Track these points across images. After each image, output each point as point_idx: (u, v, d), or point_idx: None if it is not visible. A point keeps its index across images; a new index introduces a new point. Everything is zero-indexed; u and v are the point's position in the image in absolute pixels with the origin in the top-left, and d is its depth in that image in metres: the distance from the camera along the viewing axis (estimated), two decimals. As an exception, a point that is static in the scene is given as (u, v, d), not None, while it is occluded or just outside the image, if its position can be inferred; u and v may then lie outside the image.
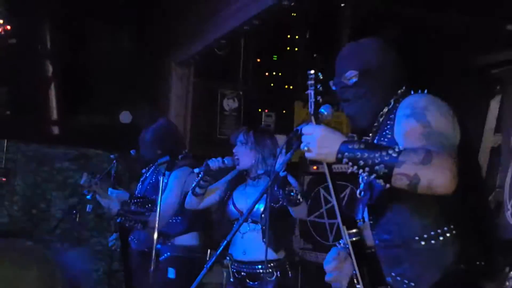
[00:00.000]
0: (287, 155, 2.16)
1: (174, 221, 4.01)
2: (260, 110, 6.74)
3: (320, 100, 2.07)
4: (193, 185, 3.64)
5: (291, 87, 6.76)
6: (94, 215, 6.32)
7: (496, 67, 4.86)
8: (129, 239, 4.30)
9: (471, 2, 5.04)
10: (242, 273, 3.50)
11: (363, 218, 2.16)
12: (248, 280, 3.49)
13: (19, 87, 6.25)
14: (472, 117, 5.16)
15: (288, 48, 6.87)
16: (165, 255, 3.99)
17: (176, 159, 4.03)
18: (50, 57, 6.39)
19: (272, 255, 3.45)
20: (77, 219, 4.87)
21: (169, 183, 3.98)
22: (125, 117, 6.71)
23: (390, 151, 1.79)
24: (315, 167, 5.47)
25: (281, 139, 4.05)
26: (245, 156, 3.59)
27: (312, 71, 2.07)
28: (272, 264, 3.45)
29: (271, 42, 6.85)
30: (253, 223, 3.50)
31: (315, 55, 6.66)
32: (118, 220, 3.97)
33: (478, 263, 1.95)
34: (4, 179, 6.06)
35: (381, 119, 2.15)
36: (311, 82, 2.06)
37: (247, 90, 6.84)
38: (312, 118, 2.05)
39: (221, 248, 2.25)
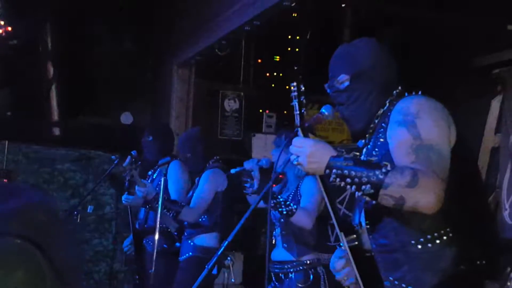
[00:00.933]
0: (287, 155, 2.17)
1: (200, 219, 4.08)
2: (261, 110, 6.75)
3: (305, 112, 2.09)
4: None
5: (292, 87, 6.77)
6: (95, 216, 6.34)
7: (497, 67, 4.87)
8: (144, 242, 4.33)
9: (472, 2, 5.05)
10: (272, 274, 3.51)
11: (360, 223, 2.17)
12: (274, 280, 3.51)
13: (20, 88, 6.27)
14: (473, 117, 5.17)
15: (289, 49, 6.88)
16: (186, 255, 4.04)
17: (206, 162, 4.10)
18: (51, 58, 6.40)
19: (288, 256, 3.44)
20: (78, 220, 4.88)
21: (201, 181, 4.05)
22: (126, 118, 6.73)
23: (377, 172, 1.80)
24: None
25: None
26: (277, 157, 3.59)
27: (295, 83, 2.10)
28: (287, 266, 3.44)
29: (272, 43, 6.86)
30: (278, 228, 3.52)
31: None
32: (155, 204, 3.98)
33: (479, 262, 1.96)
34: (5, 180, 6.07)
35: (376, 121, 2.14)
36: (294, 94, 2.09)
37: (248, 91, 6.84)
38: (299, 130, 2.06)
39: (221, 249, 2.26)
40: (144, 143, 4.49)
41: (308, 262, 3.42)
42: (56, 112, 6.48)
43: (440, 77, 5.40)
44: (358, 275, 2.01)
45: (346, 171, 1.85)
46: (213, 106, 6.75)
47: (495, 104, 4.98)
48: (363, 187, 1.81)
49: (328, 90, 2.25)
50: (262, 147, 6.58)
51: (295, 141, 2.00)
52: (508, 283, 3.64)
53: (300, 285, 3.36)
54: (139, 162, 4.09)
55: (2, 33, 5.84)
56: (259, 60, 6.92)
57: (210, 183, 4.04)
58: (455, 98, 5.28)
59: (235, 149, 6.77)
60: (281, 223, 3.48)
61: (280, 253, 3.50)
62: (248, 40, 6.72)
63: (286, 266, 3.44)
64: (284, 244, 3.47)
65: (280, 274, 3.47)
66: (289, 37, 6.85)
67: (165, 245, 4.16)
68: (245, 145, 6.74)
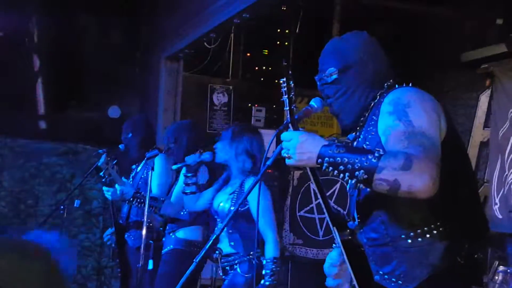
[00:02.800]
0: (277, 149, 2.16)
1: (181, 213, 4.09)
2: (250, 104, 6.75)
3: (295, 108, 2.08)
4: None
5: (281, 83, 6.77)
6: (82, 211, 6.32)
7: (486, 62, 4.90)
8: (126, 236, 4.33)
9: (462, -3, 5.08)
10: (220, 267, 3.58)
11: (353, 217, 2.15)
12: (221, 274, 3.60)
13: (6, 81, 6.21)
14: (462, 111, 5.20)
15: (278, 43, 6.88)
16: (168, 247, 4.05)
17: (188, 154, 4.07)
18: (38, 51, 6.35)
19: (230, 249, 3.52)
20: (65, 215, 4.87)
21: (182, 175, 4.03)
22: (114, 111, 6.70)
23: (370, 156, 1.79)
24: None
25: (271, 133, 4.08)
26: (221, 151, 3.66)
27: (284, 79, 2.08)
28: (232, 258, 3.51)
29: (261, 36, 6.85)
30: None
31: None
32: (134, 203, 4.04)
33: (476, 256, 1.96)
34: None
35: (366, 114, 2.14)
36: (284, 89, 2.08)
37: (237, 85, 6.84)
38: (290, 125, 2.06)
39: (209, 243, 2.27)
40: (125, 140, 4.49)
41: (252, 253, 3.47)
42: (42, 106, 6.43)
43: (429, 71, 5.43)
44: (351, 270, 2.01)
45: (338, 159, 1.83)
46: (202, 100, 6.74)
47: (484, 99, 5.02)
48: (357, 173, 1.79)
49: (318, 83, 2.26)
50: (251, 141, 6.58)
51: (284, 135, 1.99)
52: (496, 277, 3.67)
53: (245, 275, 3.42)
54: (115, 160, 4.09)
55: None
56: (248, 54, 6.92)
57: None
58: (444, 92, 5.32)
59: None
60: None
61: (225, 247, 3.54)
62: (237, 33, 6.71)
63: (231, 259, 3.51)
64: (231, 243, 3.51)
65: (226, 267, 3.53)
66: (279, 30, 6.85)
67: (150, 241, 4.16)
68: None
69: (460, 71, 5.28)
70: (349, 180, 1.85)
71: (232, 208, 3.43)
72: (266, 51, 6.90)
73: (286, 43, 6.85)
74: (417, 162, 1.74)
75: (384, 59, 2.20)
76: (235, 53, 6.85)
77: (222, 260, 3.53)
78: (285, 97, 2.09)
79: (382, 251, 2.04)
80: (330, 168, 1.86)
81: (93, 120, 6.51)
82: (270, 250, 3.38)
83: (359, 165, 1.79)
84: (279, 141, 2.17)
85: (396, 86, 2.12)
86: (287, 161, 1.99)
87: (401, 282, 1.98)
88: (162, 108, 6.36)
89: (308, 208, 5.40)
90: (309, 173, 2.05)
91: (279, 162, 2.17)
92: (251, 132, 3.72)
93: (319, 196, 2.07)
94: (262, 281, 3.30)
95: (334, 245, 2.24)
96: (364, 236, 2.10)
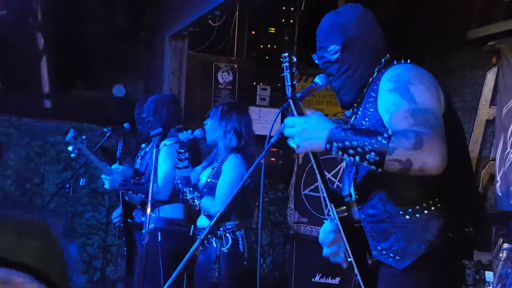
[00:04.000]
0: (281, 127, 2.17)
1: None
2: (255, 83, 6.74)
3: (297, 83, 2.06)
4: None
5: (283, 58, 6.75)
6: (88, 189, 6.37)
7: (492, 39, 4.88)
8: (134, 213, 4.37)
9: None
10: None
11: (350, 193, 2.17)
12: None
13: (10, 60, 6.22)
14: (468, 89, 5.18)
15: (283, 20, 6.85)
16: (150, 226, 4.08)
17: (166, 129, 4.12)
18: (42, 29, 6.35)
19: (206, 221, 3.63)
20: (71, 193, 4.91)
21: (161, 156, 4.07)
22: (118, 90, 6.71)
23: (380, 138, 1.78)
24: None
25: (276, 112, 4.10)
26: (210, 129, 3.77)
27: (286, 54, 2.07)
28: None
29: (266, 14, 6.82)
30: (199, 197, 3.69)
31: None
32: (121, 190, 4.08)
33: (466, 230, 1.98)
34: None
35: (365, 90, 2.14)
36: (286, 64, 2.06)
37: (242, 63, 6.83)
38: (291, 104, 2.02)
39: (214, 219, 2.29)
40: (146, 120, 4.48)
41: (229, 227, 3.59)
42: (47, 85, 6.45)
43: (435, 50, 5.40)
44: (347, 246, 2.03)
45: (347, 142, 1.82)
46: (206, 79, 6.73)
47: (490, 77, 5.00)
48: (368, 156, 1.79)
49: (317, 61, 2.25)
50: (256, 120, 6.58)
51: (287, 121, 1.96)
52: (500, 254, 3.69)
53: (221, 248, 3.50)
54: (84, 136, 4.13)
55: (-9, 4, 5.80)
56: (253, 32, 6.89)
57: (170, 157, 4.04)
58: (450, 70, 5.30)
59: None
60: (203, 192, 3.65)
61: (203, 220, 3.67)
62: (242, 11, 6.68)
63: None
64: (205, 212, 3.66)
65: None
66: (284, 8, 6.82)
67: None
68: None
69: (466, 49, 5.25)
70: (359, 162, 1.84)
71: (208, 180, 3.62)
72: (272, 29, 6.87)
73: (291, 21, 6.82)
74: (427, 140, 1.75)
75: (381, 33, 2.19)
76: (240, 31, 6.83)
77: (197, 232, 3.66)
78: (286, 72, 2.07)
79: (380, 227, 2.05)
80: (340, 152, 1.85)
81: (97, 99, 6.53)
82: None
83: (369, 147, 1.78)
84: (283, 119, 2.17)
85: (395, 62, 2.11)
86: (296, 150, 1.98)
87: (398, 258, 2.01)
88: (166, 87, 6.37)
89: (313, 186, 5.42)
90: (311, 156, 2.05)
91: (283, 140, 2.18)
92: (240, 110, 3.81)
93: (317, 172, 2.07)
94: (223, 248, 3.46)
95: (327, 217, 2.28)
96: (363, 213, 2.12)
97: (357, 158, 1.82)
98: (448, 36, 5.35)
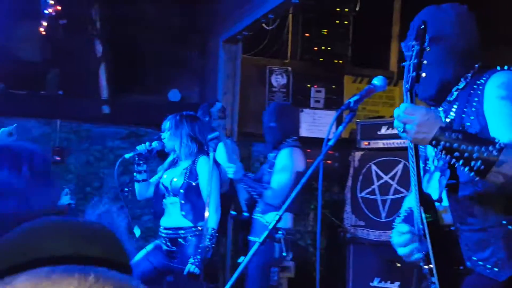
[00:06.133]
0: (339, 129, 2.08)
1: None
2: (309, 85, 6.76)
3: (423, 74, 1.96)
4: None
5: (340, 61, 6.76)
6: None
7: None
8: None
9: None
10: (166, 239, 4.09)
11: (441, 198, 2.10)
12: (170, 245, 4.06)
13: (70, 67, 6.46)
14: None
15: (337, 22, 6.85)
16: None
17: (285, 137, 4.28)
18: (100, 37, 6.56)
19: (184, 222, 4.00)
20: (129, 197, 5.05)
21: (283, 160, 4.20)
22: (174, 95, 6.86)
23: (491, 148, 1.75)
24: (366, 143, 5.49)
25: (331, 114, 4.15)
26: (168, 140, 4.14)
27: (414, 42, 1.96)
28: (185, 231, 3.99)
29: (320, 16, 6.84)
30: (174, 197, 4.03)
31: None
32: (243, 181, 4.28)
33: None
34: (58, 158, 6.31)
35: (456, 93, 2.08)
36: (415, 53, 1.96)
37: (295, 66, 6.86)
38: (408, 95, 1.96)
39: (274, 223, 2.32)
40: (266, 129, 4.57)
41: (200, 228, 3.92)
42: (105, 90, 6.65)
43: (500, 48, 5.28)
44: (431, 251, 1.97)
45: (456, 145, 1.80)
46: (261, 82, 6.79)
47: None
48: (473, 162, 1.77)
49: (404, 50, 2.16)
50: (310, 122, 6.61)
51: (407, 107, 1.90)
52: None
53: (209, 242, 3.82)
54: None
55: (52, 12, 6.02)
56: (307, 34, 6.92)
57: (292, 163, 4.17)
58: None
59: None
60: (181, 194, 4.00)
61: (174, 220, 4.03)
62: (295, 13, 6.72)
63: (182, 232, 3.99)
64: (183, 212, 3.99)
65: (179, 239, 3.99)
66: (338, 9, 6.82)
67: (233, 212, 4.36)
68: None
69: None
70: (461, 167, 1.81)
71: (184, 181, 3.98)
72: (325, 31, 6.88)
73: (346, 22, 6.82)
74: None
75: (476, 37, 2.13)
76: (293, 34, 6.87)
77: (173, 233, 4.00)
78: (414, 61, 1.96)
79: (478, 237, 1.99)
80: (444, 152, 1.83)
81: (153, 103, 6.68)
82: (212, 220, 3.85)
83: (477, 155, 1.76)
84: (339, 122, 2.18)
85: (498, 67, 2.05)
86: (400, 134, 1.94)
87: (497, 270, 1.94)
88: (221, 91, 6.47)
89: (370, 189, 5.39)
90: (413, 147, 1.98)
91: (340, 143, 2.16)
92: (190, 118, 4.15)
93: (414, 172, 1.98)
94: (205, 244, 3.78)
95: (393, 225, 2.23)
96: (458, 221, 2.05)
97: (460, 162, 1.81)
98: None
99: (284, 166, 4.14)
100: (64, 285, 0.63)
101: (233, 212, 4.41)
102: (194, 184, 4.01)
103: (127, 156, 4.21)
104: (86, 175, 6.53)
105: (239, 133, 6.42)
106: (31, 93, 6.41)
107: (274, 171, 4.15)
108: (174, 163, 4.21)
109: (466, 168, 1.80)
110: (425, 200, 2.01)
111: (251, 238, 4.19)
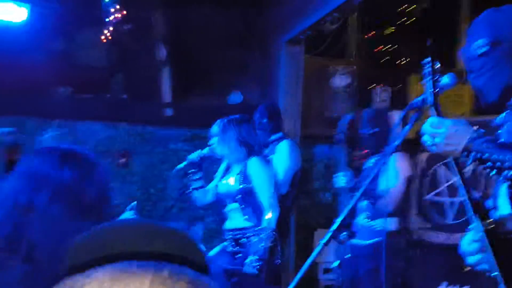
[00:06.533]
0: (405, 129, 2.11)
1: None
2: (374, 85, 6.67)
3: (440, 92, 2.01)
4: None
5: (407, 60, 6.64)
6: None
7: None
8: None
9: None
10: (231, 239, 4.11)
11: (495, 207, 2.08)
12: (234, 245, 4.09)
13: (134, 71, 6.59)
14: None
15: (404, 19, 6.73)
16: (373, 239, 4.24)
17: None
18: (162, 41, 6.67)
19: (247, 223, 4.02)
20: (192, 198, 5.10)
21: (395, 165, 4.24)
22: (236, 97, 6.89)
23: None
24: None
25: (397, 114, 4.09)
26: (216, 146, 4.17)
27: (429, 59, 2.01)
28: (249, 231, 4.01)
29: (385, 14, 6.74)
30: (233, 203, 4.10)
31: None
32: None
33: None
34: (123, 160, 6.45)
35: None
36: (427, 70, 2.01)
37: (360, 65, 6.78)
38: (433, 110, 1.99)
39: (337, 224, 2.28)
40: (259, 125, 4.65)
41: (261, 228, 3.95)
42: (168, 94, 6.76)
43: None
44: (495, 260, 1.93)
45: (487, 154, 1.80)
46: (323, 83, 6.75)
47: None
48: (506, 172, 1.77)
49: (463, 56, 2.14)
50: (375, 123, 6.51)
51: (432, 121, 1.93)
52: None
53: (267, 241, 3.86)
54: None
55: (117, 17, 6.15)
56: (372, 32, 6.82)
57: (401, 169, 4.26)
58: None
59: (346, 126, 6.74)
60: (239, 199, 4.03)
61: (238, 222, 4.05)
62: (359, 11, 6.64)
63: (245, 232, 4.01)
64: (245, 216, 4.03)
65: (242, 239, 4.02)
66: (404, 6, 6.70)
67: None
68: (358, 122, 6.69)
69: None
70: (489, 172, 1.82)
71: (240, 186, 4.00)
72: (392, 28, 6.77)
73: (412, 20, 6.69)
74: None
75: None
76: (358, 32, 6.79)
77: (237, 233, 4.02)
78: (428, 78, 2.01)
79: None
80: (476, 162, 1.84)
81: (215, 106, 6.73)
82: (269, 221, 3.87)
83: (509, 164, 1.77)
84: (404, 123, 2.14)
85: None
86: (429, 148, 1.96)
87: None
88: (283, 93, 6.45)
89: (437, 191, 5.28)
90: (452, 161, 1.97)
91: (404, 143, 2.14)
92: (236, 121, 4.16)
93: (458, 177, 1.97)
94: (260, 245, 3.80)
95: (467, 229, 2.17)
96: None
97: (494, 171, 1.81)
98: None
99: (395, 172, 4.23)
100: (139, 279, 0.68)
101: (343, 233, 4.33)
102: (249, 187, 4.04)
103: (179, 166, 4.24)
104: (150, 177, 6.64)
105: (302, 135, 6.38)
106: (96, 97, 6.58)
107: (385, 177, 4.16)
108: (227, 169, 4.25)
109: (500, 177, 1.81)
110: (479, 207, 2.00)
111: (353, 241, 4.25)
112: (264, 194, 3.97)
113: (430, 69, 2.01)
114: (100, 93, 6.64)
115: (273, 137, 4.10)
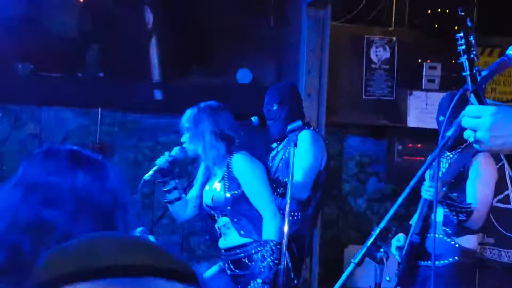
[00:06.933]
0: (457, 120, 2.13)
1: None
2: (420, 60, 6.66)
3: (478, 73, 2.02)
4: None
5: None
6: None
7: None
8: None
9: None
10: (228, 262, 4.12)
11: None
12: (233, 268, 4.09)
13: (113, 42, 6.55)
14: None
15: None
16: (449, 259, 4.34)
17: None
18: (151, 3, 6.60)
19: (246, 239, 4.01)
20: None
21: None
22: (243, 76, 6.88)
23: None
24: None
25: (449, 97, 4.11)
26: (189, 143, 4.13)
27: (461, 33, 2.05)
28: (251, 247, 4.01)
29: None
30: (223, 217, 4.07)
31: None
32: None
33: None
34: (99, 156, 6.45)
35: None
36: (462, 48, 2.04)
37: (402, 35, 6.77)
38: (473, 98, 2.01)
39: (372, 239, 2.29)
40: (268, 113, 4.72)
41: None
42: (157, 72, 6.73)
43: None
44: None
45: None
46: (356, 57, 6.74)
47: None
48: None
49: None
50: (422, 108, 6.50)
51: (469, 111, 1.94)
52: None
53: (270, 258, 3.82)
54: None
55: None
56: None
57: (490, 172, 4.32)
58: None
59: (385, 112, 6.73)
60: (229, 211, 4.00)
61: (233, 240, 4.04)
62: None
63: (244, 249, 4.01)
64: (241, 232, 4.00)
65: (242, 260, 4.02)
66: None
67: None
68: (399, 106, 6.69)
69: None
70: None
71: (227, 195, 3.96)
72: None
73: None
74: None
75: None
76: (399, -6, 6.79)
77: (237, 251, 4.01)
78: (463, 57, 2.04)
79: None
80: None
81: (218, 87, 6.72)
82: (269, 232, 3.85)
83: None
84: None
85: None
86: (475, 146, 1.97)
87: None
88: (304, 70, 6.44)
89: (501, 196, 5.26)
90: (505, 161, 2.01)
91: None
92: (210, 109, 4.12)
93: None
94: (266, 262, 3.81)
95: None
96: None
97: None
98: None
99: (485, 179, 4.27)
100: None
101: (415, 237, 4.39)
102: (239, 193, 3.99)
103: (146, 177, 4.23)
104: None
105: (328, 123, 6.37)
106: (65, 76, 6.57)
107: (471, 185, 4.22)
108: (208, 174, 4.19)
109: None
110: None
111: (423, 263, 4.26)
112: (259, 199, 3.95)
113: (464, 45, 2.04)
114: (70, 71, 6.63)
115: (289, 127, 4.07)
